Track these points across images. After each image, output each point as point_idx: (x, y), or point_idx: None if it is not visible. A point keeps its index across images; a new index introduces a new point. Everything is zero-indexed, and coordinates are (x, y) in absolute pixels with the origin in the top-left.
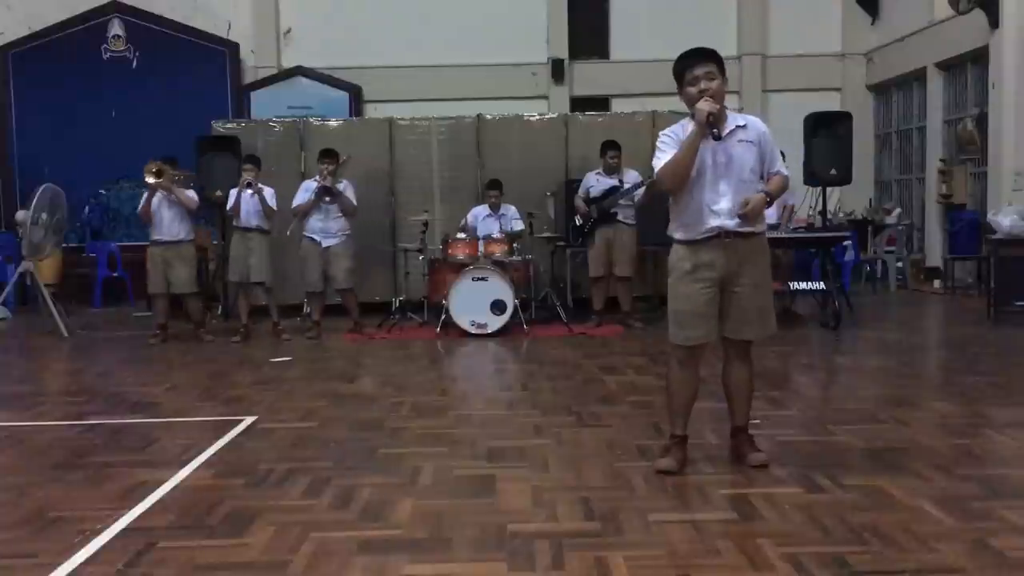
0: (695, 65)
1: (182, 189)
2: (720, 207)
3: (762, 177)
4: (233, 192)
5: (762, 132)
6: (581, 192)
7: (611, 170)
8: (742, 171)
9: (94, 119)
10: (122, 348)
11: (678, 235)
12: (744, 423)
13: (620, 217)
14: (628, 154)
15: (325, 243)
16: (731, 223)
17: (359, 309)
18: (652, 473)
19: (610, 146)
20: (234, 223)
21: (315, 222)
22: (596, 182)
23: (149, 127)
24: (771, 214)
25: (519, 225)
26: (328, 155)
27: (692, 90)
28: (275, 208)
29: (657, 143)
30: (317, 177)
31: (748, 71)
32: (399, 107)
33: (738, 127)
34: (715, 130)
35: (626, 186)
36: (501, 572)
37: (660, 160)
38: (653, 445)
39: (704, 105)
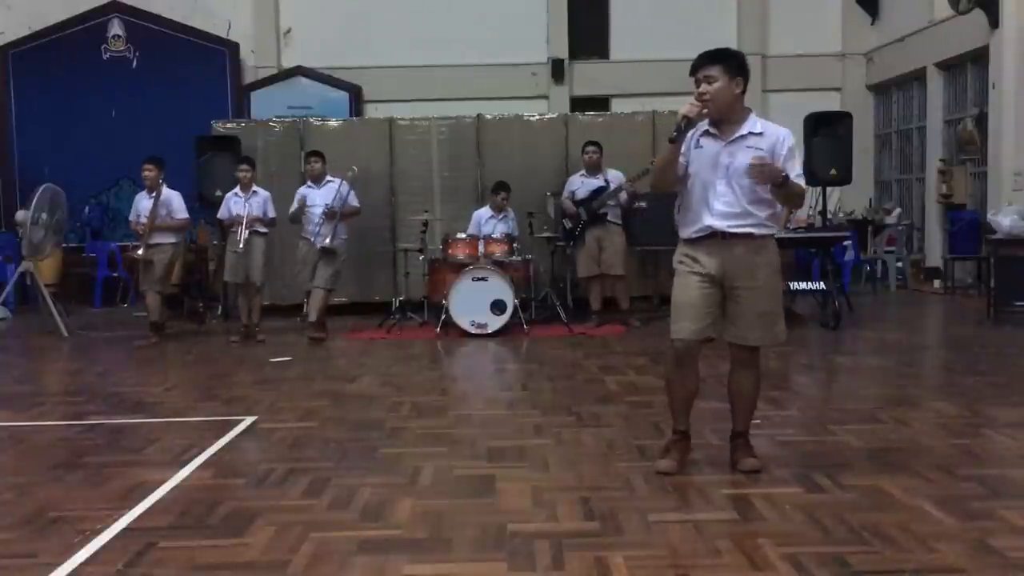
0: (696, 68)
1: (164, 218)
2: (717, 208)
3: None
4: (228, 198)
5: (778, 140)
6: (565, 194)
7: (592, 167)
8: (743, 176)
9: (94, 119)
10: (122, 348)
11: (680, 232)
12: (743, 428)
13: (609, 217)
14: (629, 154)
15: (320, 243)
16: (723, 224)
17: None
18: (652, 473)
19: (589, 143)
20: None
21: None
22: (581, 184)
23: (149, 127)
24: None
25: (516, 230)
26: (314, 155)
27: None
28: (274, 215)
29: None
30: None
31: None
32: (399, 107)
33: (751, 133)
34: (674, 133)
35: (612, 186)
36: (501, 572)
37: None
38: (653, 445)
39: (683, 108)
